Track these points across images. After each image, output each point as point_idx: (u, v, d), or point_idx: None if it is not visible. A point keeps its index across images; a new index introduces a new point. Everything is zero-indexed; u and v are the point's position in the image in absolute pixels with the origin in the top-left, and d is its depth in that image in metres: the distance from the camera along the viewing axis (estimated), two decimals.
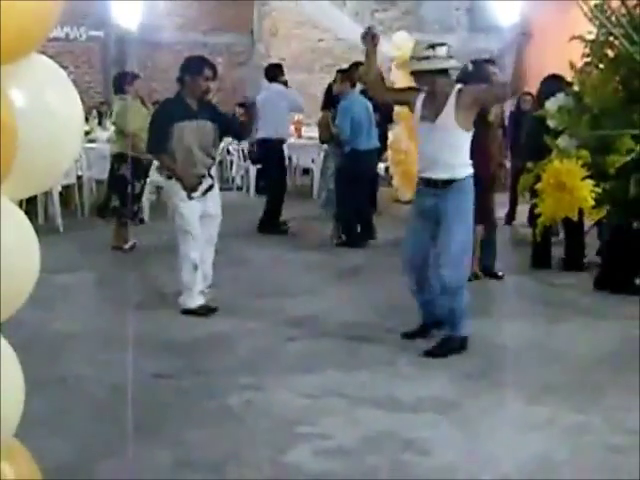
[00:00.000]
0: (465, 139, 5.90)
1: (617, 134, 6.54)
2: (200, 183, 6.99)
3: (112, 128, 12.00)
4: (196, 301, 7.08)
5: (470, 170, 5.95)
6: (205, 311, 7.07)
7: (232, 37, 20.60)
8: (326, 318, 7.04)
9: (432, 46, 5.81)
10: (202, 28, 19.87)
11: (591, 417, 5.01)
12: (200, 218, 7.03)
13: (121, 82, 10.11)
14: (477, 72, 8.49)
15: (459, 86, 5.90)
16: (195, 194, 6.95)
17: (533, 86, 10.28)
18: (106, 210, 10.16)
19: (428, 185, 5.95)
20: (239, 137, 8.60)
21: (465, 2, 17.48)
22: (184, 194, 6.94)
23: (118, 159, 9.89)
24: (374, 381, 5.60)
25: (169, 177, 7.08)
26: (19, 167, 2.31)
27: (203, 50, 20.43)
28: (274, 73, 11.71)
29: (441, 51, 5.80)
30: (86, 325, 6.76)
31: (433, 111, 5.88)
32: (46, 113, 2.47)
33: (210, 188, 7.07)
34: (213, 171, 7.24)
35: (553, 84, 9.14)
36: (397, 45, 14.11)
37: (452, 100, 5.81)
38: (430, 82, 5.89)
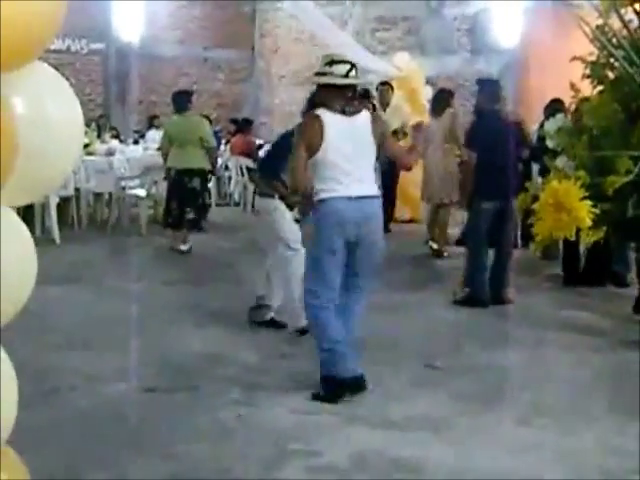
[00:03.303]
0: None
1: (616, 155, 6.54)
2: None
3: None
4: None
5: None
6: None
7: (233, 53, 20.68)
8: None
9: (330, 62, 5.61)
10: (203, 43, 19.95)
11: (584, 439, 4.98)
12: None
13: (182, 99, 10.86)
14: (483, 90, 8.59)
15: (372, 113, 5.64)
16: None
17: (535, 107, 10.32)
18: (181, 223, 10.69)
19: None
20: None
21: (466, 23, 17.53)
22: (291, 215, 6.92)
23: (189, 173, 10.52)
24: (365, 399, 5.56)
25: (271, 196, 6.98)
26: (17, 174, 2.30)
27: (204, 65, 20.60)
28: None
29: (338, 69, 5.53)
30: (79, 337, 6.73)
31: None
32: (46, 120, 2.46)
33: None
34: None
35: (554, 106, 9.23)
36: (397, 66, 14.18)
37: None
38: (330, 96, 5.55)
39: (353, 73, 5.54)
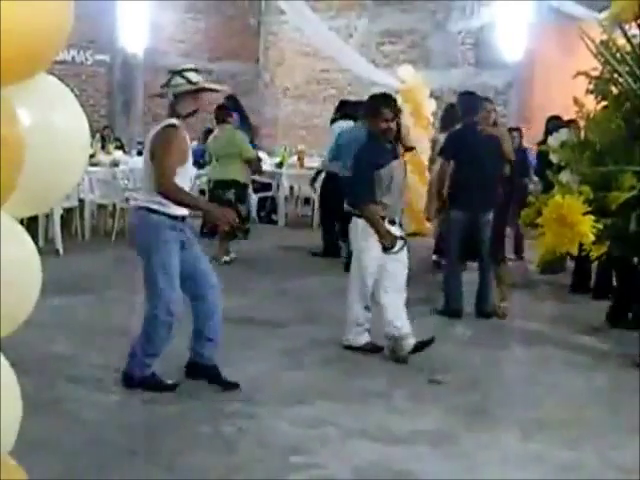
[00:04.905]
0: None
1: (619, 170, 6.56)
2: (396, 240, 6.67)
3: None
4: (363, 339, 6.92)
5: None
6: (371, 348, 6.90)
7: (238, 65, 20.70)
8: (322, 348, 7.01)
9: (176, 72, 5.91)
10: (208, 55, 19.95)
11: (585, 454, 4.98)
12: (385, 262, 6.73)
13: (221, 113, 11.13)
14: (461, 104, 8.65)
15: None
16: (391, 251, 6.67)
17: (538, 121, 10.31)
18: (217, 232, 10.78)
19: None
20: None
21: (471, 37, 17.55)
22: (376, 247, 6.68)
23: (222, 185, 10.74)
24: (368, 413, 5.56)
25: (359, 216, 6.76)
26: (23, 185, 2.31)
27: (208, 77, 20.60)
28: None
29: (175, 81, 5.82)
30: (82, 348, 6.73)
31: None
32: (52, 132, 2.47)
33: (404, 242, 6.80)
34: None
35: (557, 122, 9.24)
36: (401, 78, 14.19)
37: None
38: None
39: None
